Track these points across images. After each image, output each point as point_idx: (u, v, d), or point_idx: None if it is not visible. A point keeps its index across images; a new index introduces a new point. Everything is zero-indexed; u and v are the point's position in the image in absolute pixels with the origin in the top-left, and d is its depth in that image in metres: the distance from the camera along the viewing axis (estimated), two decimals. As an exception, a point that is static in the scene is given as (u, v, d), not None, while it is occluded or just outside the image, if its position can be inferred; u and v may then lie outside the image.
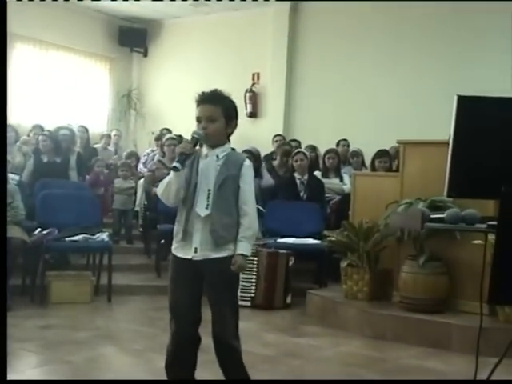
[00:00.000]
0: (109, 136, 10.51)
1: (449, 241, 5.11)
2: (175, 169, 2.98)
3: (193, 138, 3.04)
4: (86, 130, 9.86)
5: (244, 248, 3.08)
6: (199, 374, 3.24)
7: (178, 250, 3.13)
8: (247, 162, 3.19)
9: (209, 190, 3.07)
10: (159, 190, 3.12)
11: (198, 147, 3.08)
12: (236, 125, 3.19)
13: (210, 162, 3.10)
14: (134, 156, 9.71)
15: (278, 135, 9.76)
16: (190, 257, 3.07)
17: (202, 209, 3.05)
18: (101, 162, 8.50)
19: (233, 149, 3.20)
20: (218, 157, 3.12)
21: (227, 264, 3.05)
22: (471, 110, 2.43)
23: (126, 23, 12.22)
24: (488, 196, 2.45)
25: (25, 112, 10.55)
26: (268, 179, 8.10)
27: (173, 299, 3.19)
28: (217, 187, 3.07)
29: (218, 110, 3.10)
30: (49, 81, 11.16)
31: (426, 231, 5.05)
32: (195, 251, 3.07)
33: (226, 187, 3.08)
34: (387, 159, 7.48)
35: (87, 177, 8.35)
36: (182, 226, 3.08)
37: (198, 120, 3.11)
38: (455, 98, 2.42)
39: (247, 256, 3.10)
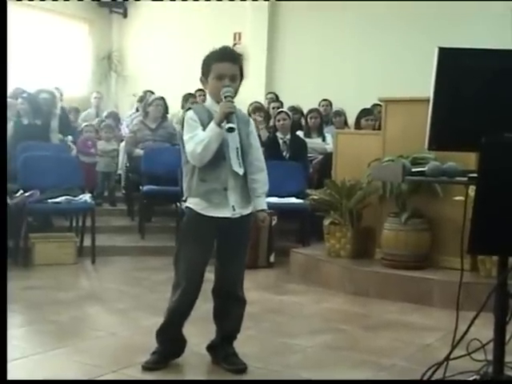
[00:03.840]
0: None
1: (431, 198, 5.13)
2: (232, 129, 2.92)
3: (229, 96, 3.00)
4: (61, 93, 9.69)
5: (265, 203, 3.25)
6: (187, 330, 3.27)
7: (209, 210, 3.09)
8: (251, 120, 3.29)
9: (237, 148, 3.10)
10: (195, 149, 2.99)
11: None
12: None
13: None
14: (114, 116, 9.60)
15: (270, 93, 9.84)
16: (228, 215, 3.08)
17: (237, 167, 3.09)
18: (89, 127, 8.36)
19: None
20: None
21: (250, 220, 3.20)
22: (452, 61, 2.42)
23: (103, -17, 11.99)
24: (469, 148, 2.45)
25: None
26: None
27: (191, 259, 3.11)
28: (243, 145, 3.13)
29: (237, 69, 3.13)
30: (28, 43, 10.96)
31: (409, 188, 5.09)
32: (233, 209, 3.09)
33: (247, 144, 3.16)
34: (374, 117, 7.45)
35: (69, 137, 8.27)
36: (217, 184, 3.06)
37: (220, 77, 3.07)
38: (436, 50, 2.41)
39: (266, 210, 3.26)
